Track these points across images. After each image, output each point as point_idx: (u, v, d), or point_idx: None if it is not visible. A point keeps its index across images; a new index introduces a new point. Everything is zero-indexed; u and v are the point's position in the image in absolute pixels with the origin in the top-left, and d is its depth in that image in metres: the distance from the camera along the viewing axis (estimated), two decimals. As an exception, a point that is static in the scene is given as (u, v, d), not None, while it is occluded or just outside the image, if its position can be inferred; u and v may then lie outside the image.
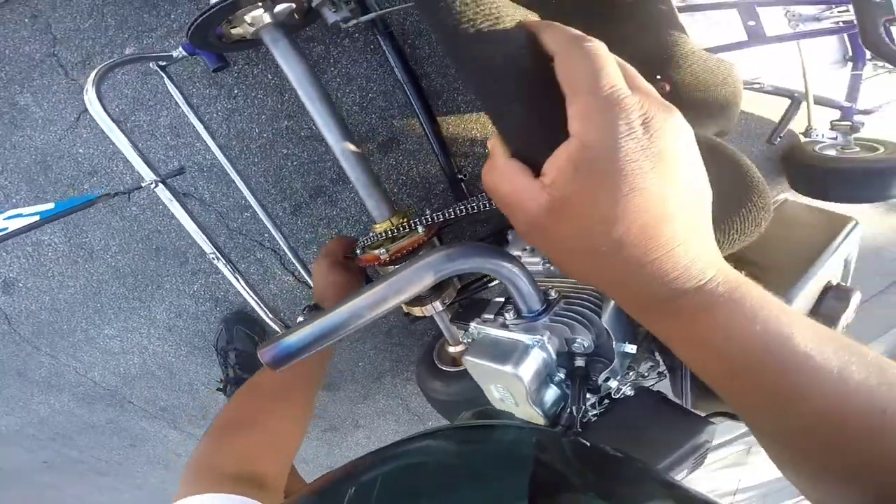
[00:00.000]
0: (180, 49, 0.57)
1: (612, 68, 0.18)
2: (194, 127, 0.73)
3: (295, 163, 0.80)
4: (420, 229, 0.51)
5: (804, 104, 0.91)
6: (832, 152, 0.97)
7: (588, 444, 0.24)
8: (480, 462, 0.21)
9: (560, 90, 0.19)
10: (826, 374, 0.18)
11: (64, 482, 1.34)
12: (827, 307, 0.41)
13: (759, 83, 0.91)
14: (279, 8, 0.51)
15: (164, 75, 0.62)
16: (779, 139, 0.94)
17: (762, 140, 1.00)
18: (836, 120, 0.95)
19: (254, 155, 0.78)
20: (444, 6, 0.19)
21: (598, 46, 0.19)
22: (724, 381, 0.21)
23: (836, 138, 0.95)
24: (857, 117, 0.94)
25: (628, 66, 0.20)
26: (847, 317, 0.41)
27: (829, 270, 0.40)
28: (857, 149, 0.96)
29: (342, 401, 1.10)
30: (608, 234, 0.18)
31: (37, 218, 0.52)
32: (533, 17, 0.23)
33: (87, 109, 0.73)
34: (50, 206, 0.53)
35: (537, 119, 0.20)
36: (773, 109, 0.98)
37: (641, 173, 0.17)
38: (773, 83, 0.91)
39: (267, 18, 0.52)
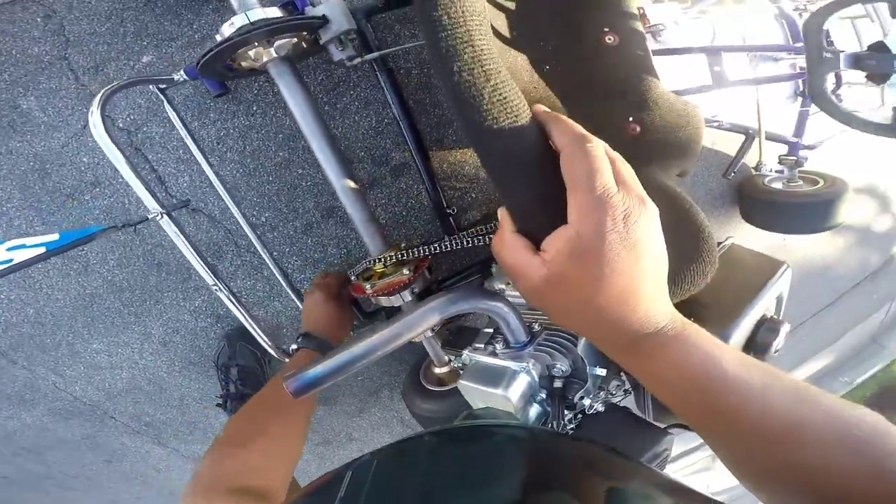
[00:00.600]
0: (182, 73, 0.58)
1: (605, 168, 0.23)
2: (206, 141, 0.75)
3: (309, 183, 0.81)
4: (405, 271, 0.56)
5: (757, 140, 1.03)
6: (778, 185, 1.08)
7: (585, 440, 0.27)
8: (475, 459, 0.23)
9: (562, 180, 0.24)
10: (753, 395, 0.23)
11: (24, 498, 1.27)
12: (761, 337, 0.49)
13: (717, 121, 1.01)
14: (279, 43, 0.55)
15: (163, 98, 0.61)
16: (733, 174, 1.05)
17: (719, 174, 1.11)
18: (784, 154, 1.06)
19: (269, 173, 0.79)
20: (475, 104, 0.24)
21: (596, 147, 0.24)
22: (679, 403, 0.26)
23: (782, 172, 1.07)
24: (802, 152, 1.05)
25: (617, 158, 0.25)
26: (777, 344, 0.49)
27: (763, 306, 0.48)
28: (801, 182, 1.08)
29: (338, 414, 1.12)
30: (592, 303, 0.24)
31: (43, 250, 0.52)
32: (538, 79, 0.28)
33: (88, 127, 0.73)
34: (54, 237, 0.53)
35: (542, 204, 0.25)
36: (730, 144, 1.09)
37: (619, 259, 0.22)
38: (730, 120, 1.01)
39: (272, 53, 0.55)
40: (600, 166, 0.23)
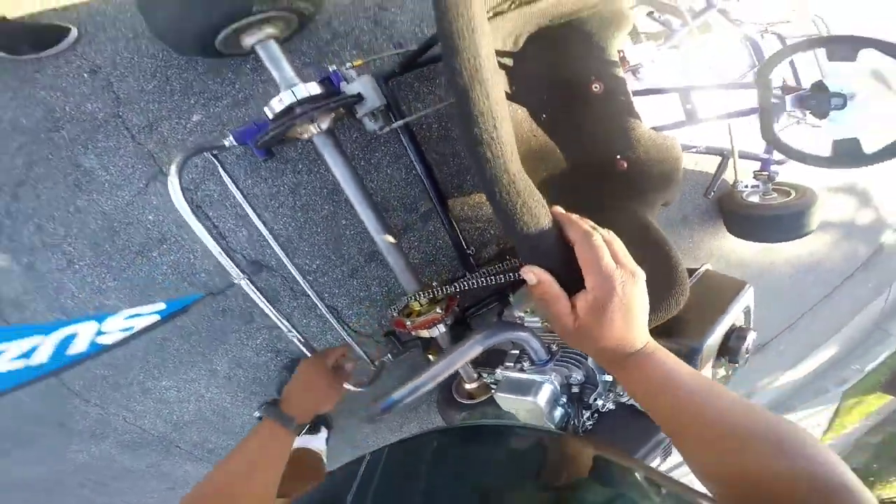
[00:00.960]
0: (231, 139, 0.67)
1: (606, 253, 0.33)
2: (261, 198, 0.83)
3: (353, 232, 0.92)
4: (438, 309, 0.68)
5: (732, 161, 1.15)
6: (756, 199, 1.21)
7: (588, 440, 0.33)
8: (473, 449, 0.27)
9: (576, 260, 0.34)
10: (706, 401, 0.31)
11: (83, 529, 1.34)
12: (732, 343, 0.59)
13: (694, 146, 1.13)
14: (322, 117, 0.66)
15: (217, 163, 0.70)
16: (713, 193, 1.18)
17: (700, 193, 1.24)
18: (758, 171, 1.19)
19: (317, 225, 0.90)
20: (510, 214, 0.35)
21: (597, 238, 0.34)
22: (651, 407, 0.34)
23: (758, 186, 1.19)
24: (773, 167, 1.17)
25: (614, 240, 0.35)
26: (746, 348, 0.60)
27: (731, 319, 0.60)
28: (775, 194, 1.20)
29: (381, 431, 1.22)
30: (600, 340, 0.35)
31: (157, 318, 0.64)
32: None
33: (156, 178, 0.77)
34: (161, 305, 0.65)
35: (565, 277, 0.36)
36: (712, 164, 1.21)
37: (618, 315, 0.34)
38: (706, 144, 1.12)
39: (316, 127, 0.68)
40: (602, 253, 0.34)
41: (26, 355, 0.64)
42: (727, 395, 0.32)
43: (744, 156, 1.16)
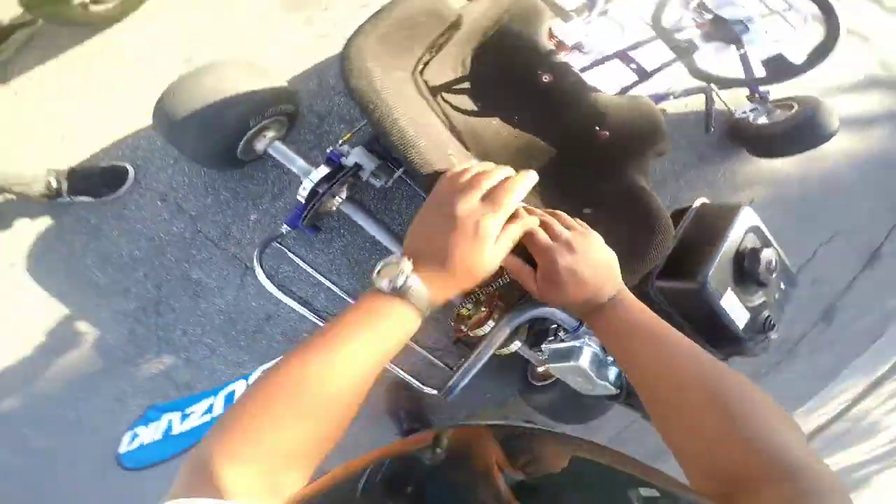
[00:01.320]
0: (285, 226, 0.81)
1: (542, 235, 0.38)
2: (324, 265, 1.02)
3: None
4: (483, 309, 0.78)
5: (715, 94, 1.05)
6: (763, 119, 1.17)
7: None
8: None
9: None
10: (668, 344, 0.33)
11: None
12: (748, 266, 0.61)
13: (671, 93, 1.09)
14: (339, 191, 0.79)
15: (284, 249, 0.84)
16: (713, 128, 1.17)
17: (701, 131, 1.23)
18: (748, 95, 1.15)
19: (369, 276, 1.07)
20: None
21: (535, 223, 0.38)
22: (618, 351, 0.37)
23: (757, 109, 1.16)
24: (761, 88, 1.10)
25: (552, 222, 0.39)
26: (767, 266, 0.61)
27: (732, 245, 0.61)
28: (778, 111, 1.15)
29: None
30: (563, 299, 0.38)
31: None
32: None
33: (246, 273, 0.96)
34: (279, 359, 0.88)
35: (525, 256, 0.40)
36: (698, 104, 1.16)
37: (568, 279, 0.37)
38: (682, 87, 1.08)
39: (338, 201, 0.84)
40: (538, 237, 0.39)
41: (209, 411, 0.90)
42: (690, 348, 0.33)
43: (726, 86, 1.11)
